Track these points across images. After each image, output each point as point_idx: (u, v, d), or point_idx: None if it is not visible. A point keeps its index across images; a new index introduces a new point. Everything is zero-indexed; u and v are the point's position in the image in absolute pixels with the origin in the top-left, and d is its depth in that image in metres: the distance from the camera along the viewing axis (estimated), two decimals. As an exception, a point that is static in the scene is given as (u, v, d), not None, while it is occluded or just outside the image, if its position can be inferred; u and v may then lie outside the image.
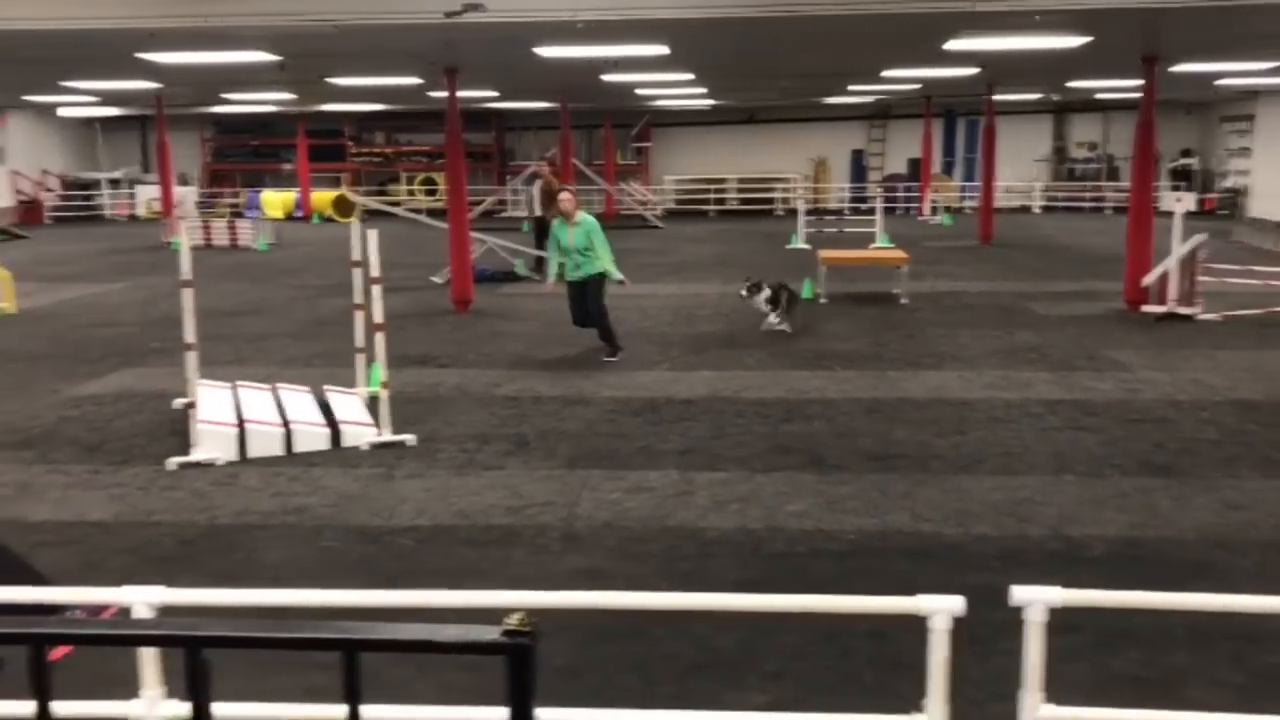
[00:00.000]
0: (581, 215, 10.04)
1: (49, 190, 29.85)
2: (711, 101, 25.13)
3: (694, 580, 5.00)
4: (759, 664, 4.24)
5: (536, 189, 16.81)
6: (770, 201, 29.87)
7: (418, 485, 6.49)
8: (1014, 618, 3.13)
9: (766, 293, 11.49)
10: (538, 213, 16.69)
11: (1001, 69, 15.83)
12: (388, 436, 7.34)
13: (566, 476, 6.60)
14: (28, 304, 13.69)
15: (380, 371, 7.76)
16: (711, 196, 30.06)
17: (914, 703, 3.16)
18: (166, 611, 2.55)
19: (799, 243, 20.08)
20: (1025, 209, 28.73)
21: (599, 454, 7.07)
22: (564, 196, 10.08)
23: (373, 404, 7.83)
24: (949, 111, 29.11)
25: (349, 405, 7.90)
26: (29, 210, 28.71)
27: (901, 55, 13.92)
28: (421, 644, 1.19)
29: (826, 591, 4.60)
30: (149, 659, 2.50)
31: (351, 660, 1.21)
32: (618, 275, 10.10)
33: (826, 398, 8.55)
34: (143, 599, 2.38)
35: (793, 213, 22.61)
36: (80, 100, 23.04)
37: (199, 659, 1.22)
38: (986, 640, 4.09)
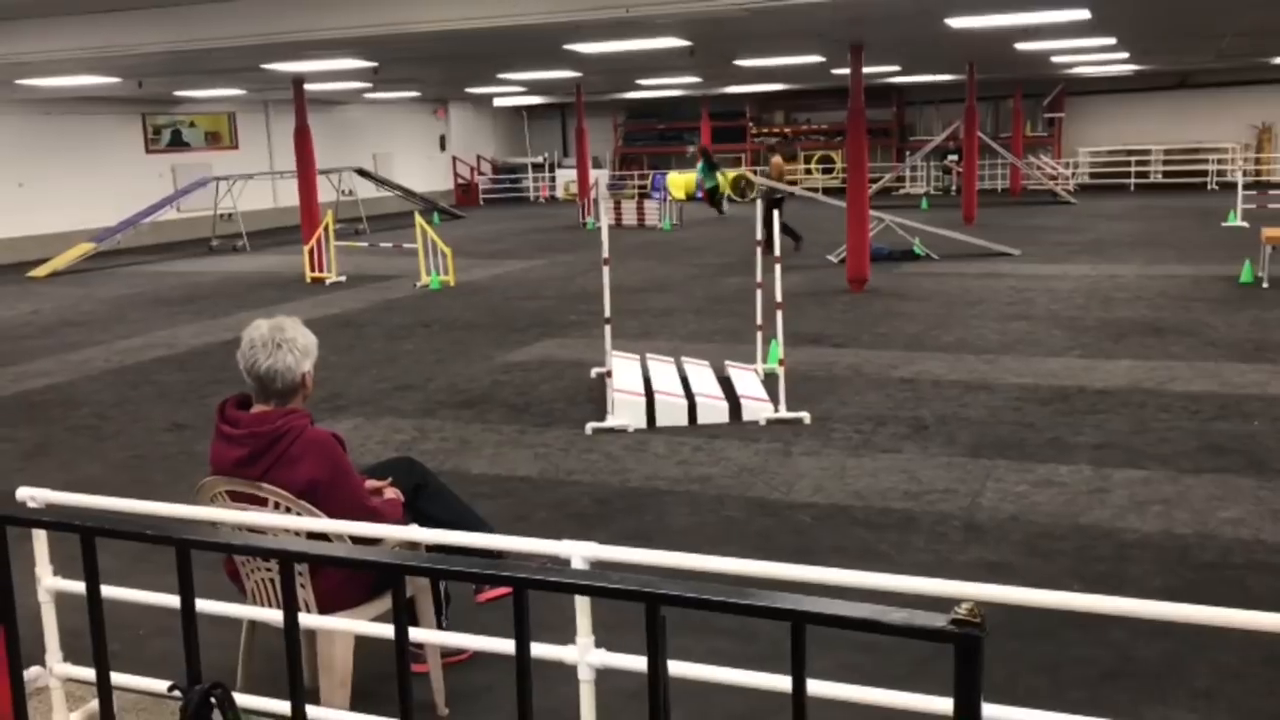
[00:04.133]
0: None
1: (482, 174, 32.97)
2: (1134, 67, 23.18)
3: (1109, 583, 4.67)
4: (1186, 679, 3.89)
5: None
6: (1202, 174, 27.12)
7: (814, 463, 6.54)
8: None
9: None
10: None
11: None
12: (784, 413, 7.44)
13: (968, 464, 6.38)
14: (465, 277, 15.22)
15: (778, 349, 7.89)
16: (1132, 169, 27.76)
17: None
18: (596, 565, 2.74)
19: (1236, 220, 18.10)
20: None
21: (1003, 443, 6.77)
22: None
23: (769, 380, 7.98)
24: None
25: (747, 381, 8.10)
26: (465, 192, 31.88)
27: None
28: (867, 623, 1.19)
29: (1267, 609, 4.13)
30: (583, 609, 2.70)
31: (799, 633, 1.24)
32: None
33: (1269, 394, 7.66)
34: (579, 552, 2.57)
35: (1229, 187, 20.40)
36: (511, 90, 25.25)
37: (658, 615, 1.30)
38: None
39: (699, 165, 23.06)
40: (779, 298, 7.76)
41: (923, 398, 7.94)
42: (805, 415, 7.42)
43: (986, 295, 12.31)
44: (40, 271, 17.85)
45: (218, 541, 1.55)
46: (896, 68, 20.61)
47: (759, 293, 8.44)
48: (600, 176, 27.37)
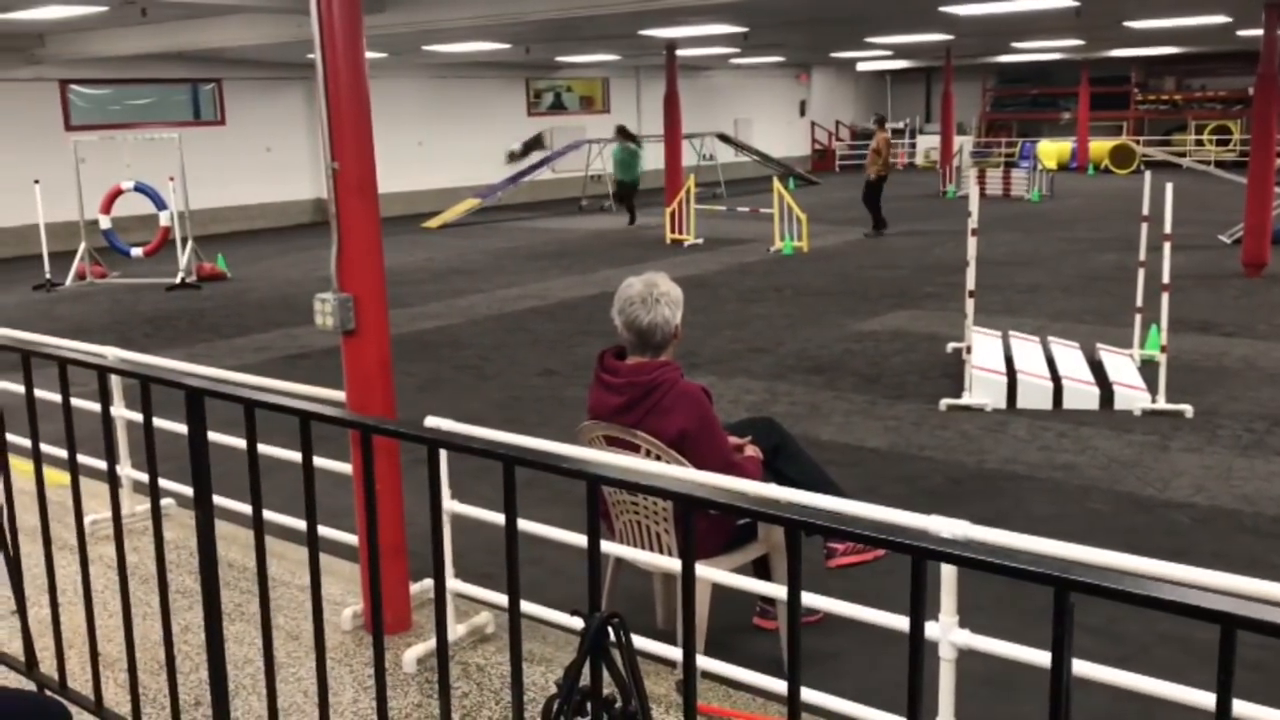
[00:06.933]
0: None
1: (840, 140, 32.66)
2: None
3: None
4: None
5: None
6: None
7: (1195, 460, 6.02)
8: None
9: None
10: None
11: None
12: (1162, 404, 6.89)
13: (1385, 477, 5.64)
14: (818, 243, 15.20)
15: (1159, 334, 7.31)
16: None
17: None
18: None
19: None
20: None
21: None
22: None
23: (1147, 368, 7.42)
24: None
25: (1121, 366, 7.57)
26: (821, 158, 31.73)
27: None
28: (1315, 639, 1.09)
29: None
30: (949, 587, 2.65)
31: (1229, 637, 1.15)
32: None
33: None
34: (949, 530, 2.52)
35: None
36: (876, 55, 24.79)
37: (1068, 602, 1.25)
38: None
39: (619, 147, 19.37)
40: (1165, 279, 7.16)
41: (1330, 399, 7.10)
42: (1187, 408, 6.84)
43: None
44: (433, 223, 19.64)
45: (623, 479, 1.65)
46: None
47: (1140, 272, 7.83)
48: (964, 143, 26.34)
